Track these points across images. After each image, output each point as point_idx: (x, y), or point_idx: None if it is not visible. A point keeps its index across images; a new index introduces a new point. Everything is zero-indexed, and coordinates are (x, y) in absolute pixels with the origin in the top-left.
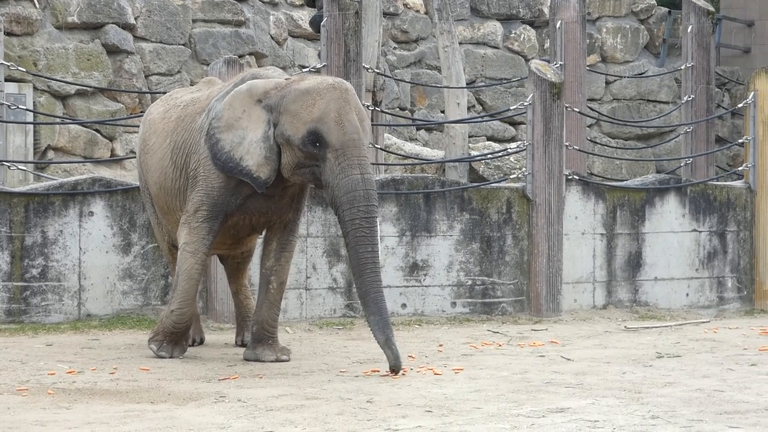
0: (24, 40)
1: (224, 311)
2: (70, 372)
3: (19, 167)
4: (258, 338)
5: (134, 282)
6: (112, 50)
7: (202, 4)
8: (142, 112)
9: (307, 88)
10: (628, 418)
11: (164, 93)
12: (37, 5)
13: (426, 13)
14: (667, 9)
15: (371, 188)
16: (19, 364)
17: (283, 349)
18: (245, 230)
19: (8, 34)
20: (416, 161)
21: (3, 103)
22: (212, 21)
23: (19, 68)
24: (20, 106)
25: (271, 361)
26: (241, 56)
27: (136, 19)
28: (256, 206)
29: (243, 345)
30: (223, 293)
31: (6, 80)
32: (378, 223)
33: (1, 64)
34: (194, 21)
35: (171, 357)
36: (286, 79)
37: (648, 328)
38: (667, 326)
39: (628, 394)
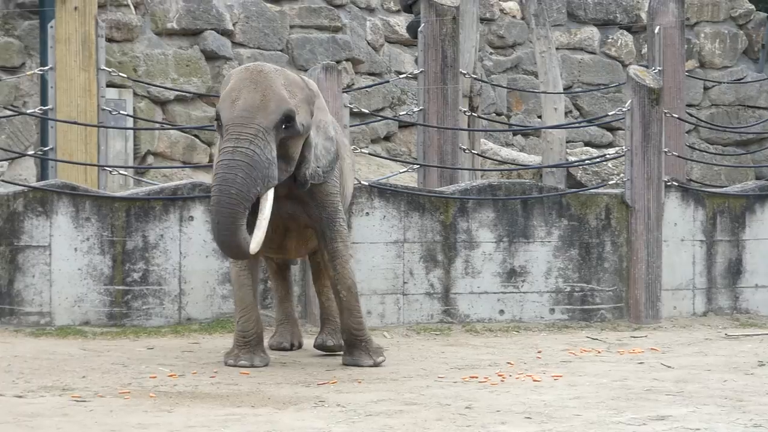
0: (124, 46)
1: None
2: (171, 375)
3: (120, 172)
4: (350, 344)
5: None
6: (211, 56)
7: (300, 10)
8: None
9: (231, 72)
10: (730, 427)
11: None
12: (136, 12)
13: (522, 18)
14: (765, 14)
15: (240, 159)
16: (121, 367)
17: (377, 350)
18: (276, 234)
19: (109, 40)
20: (513, 167)
21: (104, 109)
22: (309, 27)
23: (120, 74)
24: (121, 112)
25: (369, 366)
26: (337, 62)
27: (234, 25)
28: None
29: (320, 347)
30: None
31: (107, 86)
32: (239, 199)
33: (102, 70)
34: (291, 27)
35: (252, 366)
36: None
37: (749, 335)
38: None
39: (729, 402)
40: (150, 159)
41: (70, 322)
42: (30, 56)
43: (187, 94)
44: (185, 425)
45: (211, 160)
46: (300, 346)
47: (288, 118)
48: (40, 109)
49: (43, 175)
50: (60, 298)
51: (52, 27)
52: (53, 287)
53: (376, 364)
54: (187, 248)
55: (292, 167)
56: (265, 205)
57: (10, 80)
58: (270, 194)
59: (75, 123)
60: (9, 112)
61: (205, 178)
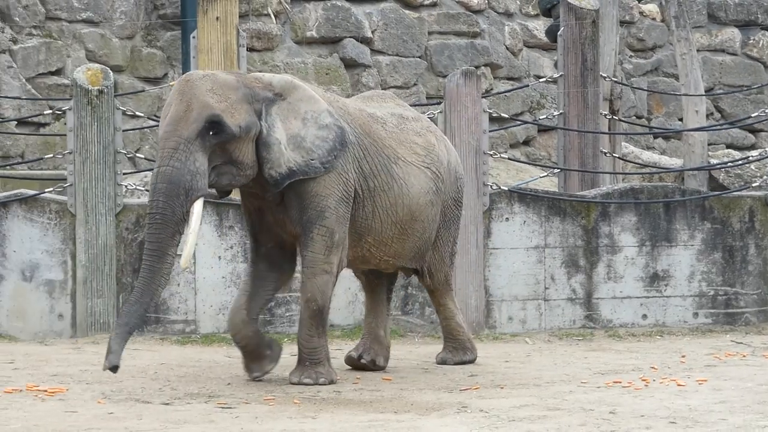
0: (264, 55)
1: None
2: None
3: None
4: (298, 359)
5: None
6: (350, 64)
7: (438, 16)
8: None
9: None
10: None
11: None
12: (276, 21)
13: (662, 20)
14: None
15: (160, 182)
16: (266, 374)
17: (319, 372)
18: (287, 242)
19: (250, 49)
20: (654, 170)
21: None
22: (448, 33)
23: None
24: None
25: (309, 384)
26: (476, 67)
27: (373, 32)
28: None
29: (440, 363)
30: (463, 303)
31: None
32: (168, 220)
33: None
34: (430, 33)
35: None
36: None
37: None
38: None
39: None
40: None
41: (215, 329)
42: (172, 66)
43: None
44: (329, 431)
45: None
46: (375, 365)
47: (213, 124)
48: None
49: None
50: (205, 306)
51: (194, 37)
52: (198, 296)
53: (316, 383)
54: None
55: (247, 171)
56: (192, 219)
57: (153, 90)
58: (197, 207)
59: None
60: (153, 123)
61: None
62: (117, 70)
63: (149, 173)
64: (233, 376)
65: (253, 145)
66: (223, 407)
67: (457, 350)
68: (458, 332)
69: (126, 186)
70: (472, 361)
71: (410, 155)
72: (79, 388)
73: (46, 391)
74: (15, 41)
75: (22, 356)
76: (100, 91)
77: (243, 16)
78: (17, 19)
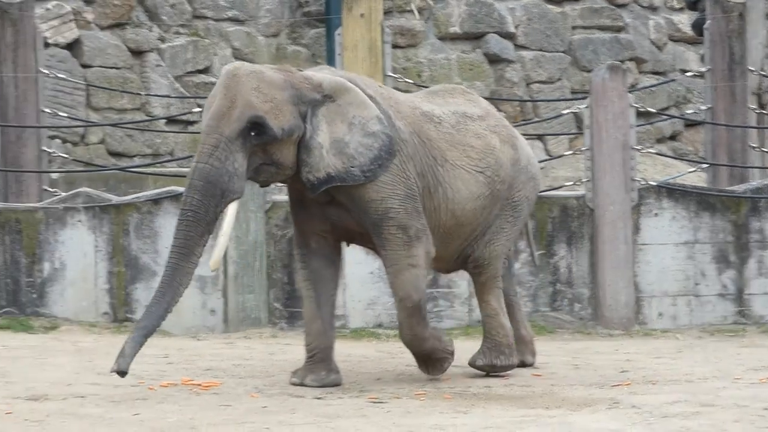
0: (408, 51)
1: (613, 317)
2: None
3: None
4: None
5: (523, 289)
6: (494, 59)
7: (582, 10)
8: (524, 120)
9: None
10: None
11: (545, 101)
12: (419, 17)
13: None
14: None
15: (197, 179)
16: (415, 369)
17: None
18: (338, 241)
19: (393, 46)
20: None
21: None
22: (591, 27)
23: (405, 80)
24: None
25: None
26: (621, 62)
27: (516, 27)
28: None
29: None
30: (612, 300)
31: None
32: (195, 217)
33: (389, 75)
34: (573, 28)
35: (302, 384)
36: None
37: None
38: None
39: None
40: None
41: (364, 324)
42: (317, 64)
43: None
44: (481, 426)
45: None
46: (524, 364)
47: (255, 125)
48: None
49: None
50: (354, 302)
51: (339, 34)
52: (347, 291)
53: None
54: None
55: (287, 171)
56: (225, 221)
57: None
58: (231, 209)
59: None
60: None
61: None
62: None
63: None
64: (383, 371)
65: (295, 148)
66: (374, 402)
67: (491, 351)
68: (497, 332)
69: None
70: (505, 368)
71: (461, 158)
72: (232, 382)
73: (200, 385)
74: (163, 40)
75: (176, 351)
76: None
77: (387, 13)
78: (165, 18)
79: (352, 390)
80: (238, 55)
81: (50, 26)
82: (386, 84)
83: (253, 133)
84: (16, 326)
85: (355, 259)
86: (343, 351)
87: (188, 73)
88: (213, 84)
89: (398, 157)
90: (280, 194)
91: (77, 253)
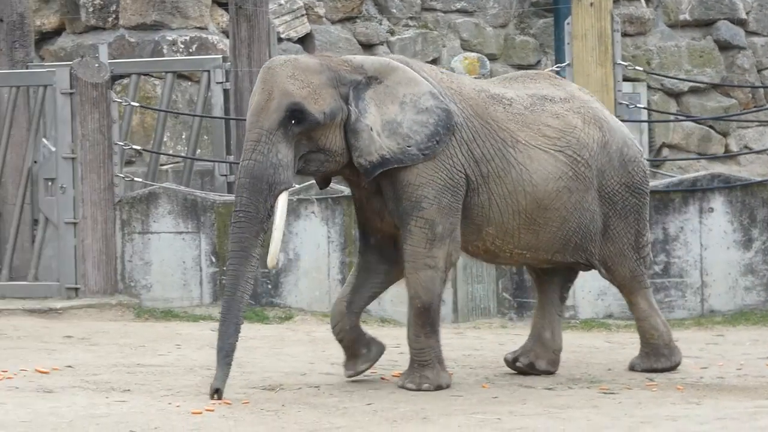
0: (637, 39)
1: None
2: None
3: None
4: (409, 363)
5: (756, 278)
6: (724, 46)
7: None
8: (756, 107)
9: None
10: None
11: None
12: (648, 5)
13: None
14: None
15: (243, 177)
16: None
17: (425, 377)
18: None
19: (623, 34)
20: None
21: (620, 103)
22: None
23: (635, 67)
24: (636, 105)
25: (413, 390)
26: None
27: (747, 14)
28: None
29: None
30: None
31: (622, 80)
32: (250, 213)
33: (618, 64)
34: None
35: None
36: None
37: None
38: None
39: None
40: (665, 151)
41: (594, 315)
42: (545, 54)
43: (701, 85)
44: (714, 417)
45: (727, 151)
46: (533, 368)
47: (295, 113)
48: None
49: None
50: (583, 292)
51: (568, 24)
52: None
53: (419, 389)
54: (708, 240)
55: (337, 157)
56: (277, 214)
57: None
58: (282, 201)
59: None
60: None
61: (721, 168)
62: (491, 58)
63: None
64: (614, 362)
65: (342, 131)
66: (605, 392)
67: (649, 356)
68: (651, 335)
69: None
70: (666, 369)
71: (535, 138)
72: (463, 372)
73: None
74: (392, 32)
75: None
76: None
77: (616, 1)
78: (394, 11)
79: (582, 381)
80: (466, 47)
81: (283, 21)
82: (616, 73)
83: (293, 121)
84: (252, 317)
85: None
86: (573, 342)
87: None
88: None
89: (444, 144)
90: None
91: (310, 244)
